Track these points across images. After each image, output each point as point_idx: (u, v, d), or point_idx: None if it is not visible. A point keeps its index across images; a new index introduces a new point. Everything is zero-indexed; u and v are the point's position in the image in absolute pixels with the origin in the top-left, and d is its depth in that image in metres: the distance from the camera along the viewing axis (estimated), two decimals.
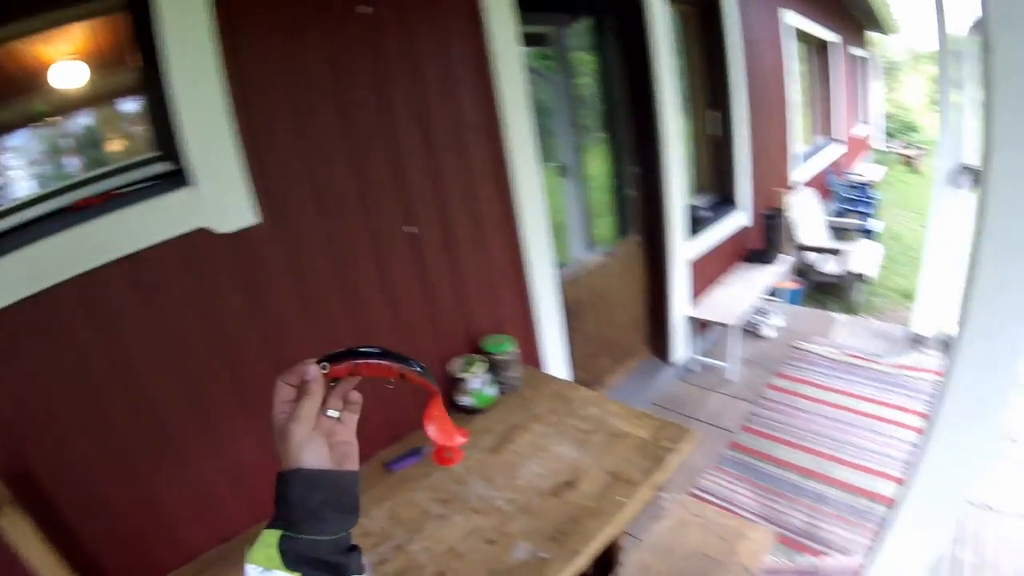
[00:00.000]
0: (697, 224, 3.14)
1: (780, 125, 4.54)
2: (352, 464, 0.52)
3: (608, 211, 2.90)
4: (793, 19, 4.82)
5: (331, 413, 0.53)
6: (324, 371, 0.51)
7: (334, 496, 0.49)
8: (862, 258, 4.60)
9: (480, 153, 1.76)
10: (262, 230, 1.28)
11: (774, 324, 3.61)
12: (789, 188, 4.70)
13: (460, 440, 0.60)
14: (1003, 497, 2.19)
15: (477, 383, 1.63)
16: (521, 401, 1.68)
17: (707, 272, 3.35)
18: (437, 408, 0.57)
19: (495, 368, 1.70)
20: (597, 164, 2.84)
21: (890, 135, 12.82)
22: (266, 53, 1.26)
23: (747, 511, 2.22)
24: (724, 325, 3.04)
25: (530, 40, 2.42)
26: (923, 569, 1.28)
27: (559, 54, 2.53)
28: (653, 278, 2.99)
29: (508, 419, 1.60)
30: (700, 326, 3.25)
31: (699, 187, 3.56)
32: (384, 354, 0.52)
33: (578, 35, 2.61)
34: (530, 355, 2.04)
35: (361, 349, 0.52)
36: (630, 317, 2.99)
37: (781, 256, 3.80)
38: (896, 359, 3.19)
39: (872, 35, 11.63)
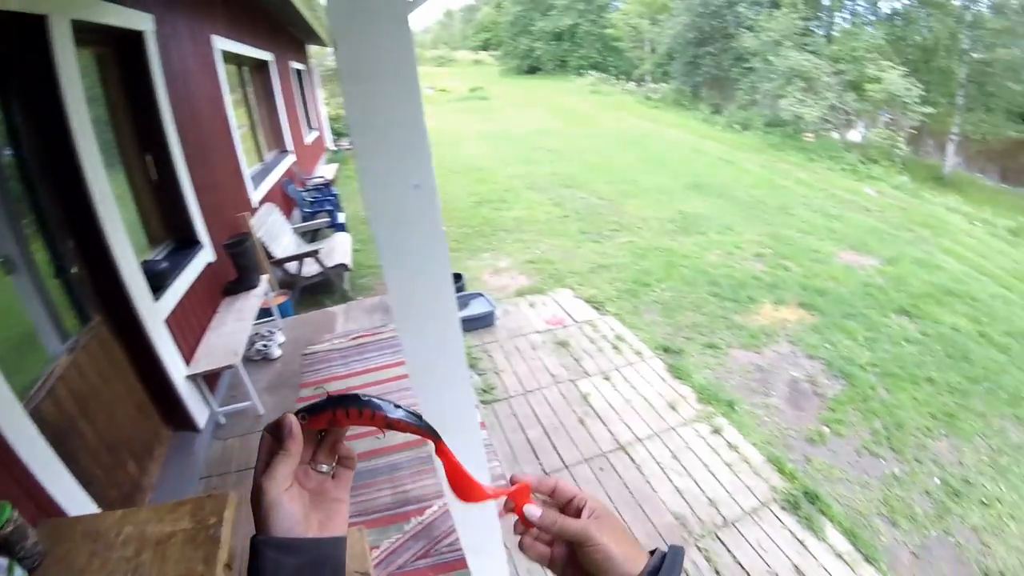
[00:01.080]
0: (159, 278, 2.97)
1: (227, 151, 4.68)
2: (337, 526, 0.47)
3: (64, 299, 2.43)
4: (223, 44, 4.90)
5: (322, 468, 0.48)
6: (303, 421, 0.45)
7: (312, 566, 0.42)
8: (338, 250, 5.25)
9: None
10: None
11: (278, 342, 3.91)
12: (251, 210, 4.96)
13: (489, 491, 0.50)
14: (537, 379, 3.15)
15: None
16: (58, 564, 1.47)
17: (192, 322, 3.27)
18: (446, 459, 0.48)
19: (7, 547, 1.40)
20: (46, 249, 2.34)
21: (337, 135, 14.87)
22: None
23: None
24: (230, 367, 3.07)
25: None
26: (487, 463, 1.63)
27: None
28: (134, 354, 2.73)
29: None
30: (208, 379, 3.19)
31: (153, 239, 3.36)
32: (367, 402, 0.45)
33: None
34: (42, 506, 1.75)
35: (341, 396, 0.46)
36: (131, 405, 2.68)
37: (261, 277, 3.97)
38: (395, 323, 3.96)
39: (313, 48, 12.93)
